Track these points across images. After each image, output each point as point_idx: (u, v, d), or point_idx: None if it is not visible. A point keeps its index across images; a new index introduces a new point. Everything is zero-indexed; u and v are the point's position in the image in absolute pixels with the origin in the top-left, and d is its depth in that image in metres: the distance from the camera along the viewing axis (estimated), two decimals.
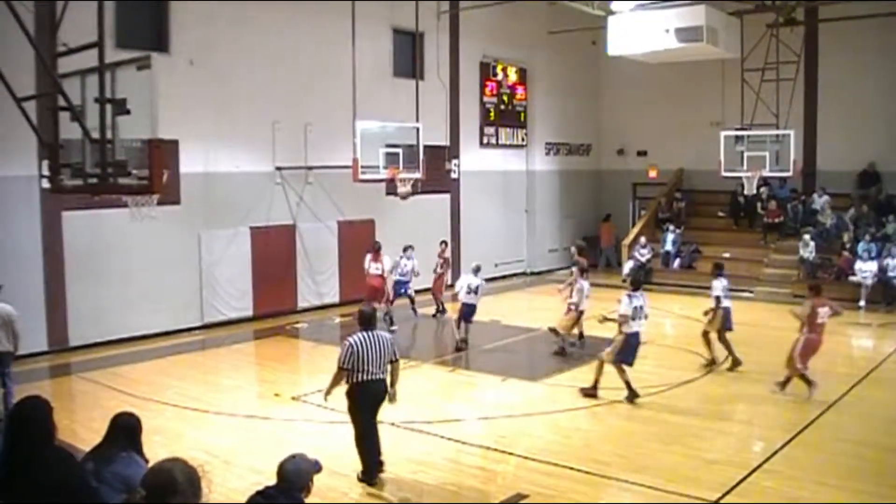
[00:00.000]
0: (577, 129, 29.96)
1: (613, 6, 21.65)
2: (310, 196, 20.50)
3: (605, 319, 13.60)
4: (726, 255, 25.11)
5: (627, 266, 25.56)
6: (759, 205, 25.77)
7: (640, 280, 14.09)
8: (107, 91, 7.68)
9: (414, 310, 19.39)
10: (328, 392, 9.61)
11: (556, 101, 28.66)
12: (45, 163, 9.08)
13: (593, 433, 11.51)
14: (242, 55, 18.75)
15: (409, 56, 22.33)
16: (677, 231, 26.21)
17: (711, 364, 14.86)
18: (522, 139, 28.00)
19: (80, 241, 16.25)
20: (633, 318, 12.84)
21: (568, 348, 16.02)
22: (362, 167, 17.29)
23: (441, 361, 15.63)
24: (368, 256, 18.31)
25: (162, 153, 7.57)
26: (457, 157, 24.77)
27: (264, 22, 18.93)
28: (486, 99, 26.44)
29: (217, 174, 18.52)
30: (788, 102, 21.51)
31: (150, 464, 4.24)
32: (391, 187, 19.43)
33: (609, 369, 12.88)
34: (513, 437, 11.22)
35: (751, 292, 23.04)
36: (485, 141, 26.49)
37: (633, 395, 12.73)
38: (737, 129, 21.44)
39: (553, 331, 16.17)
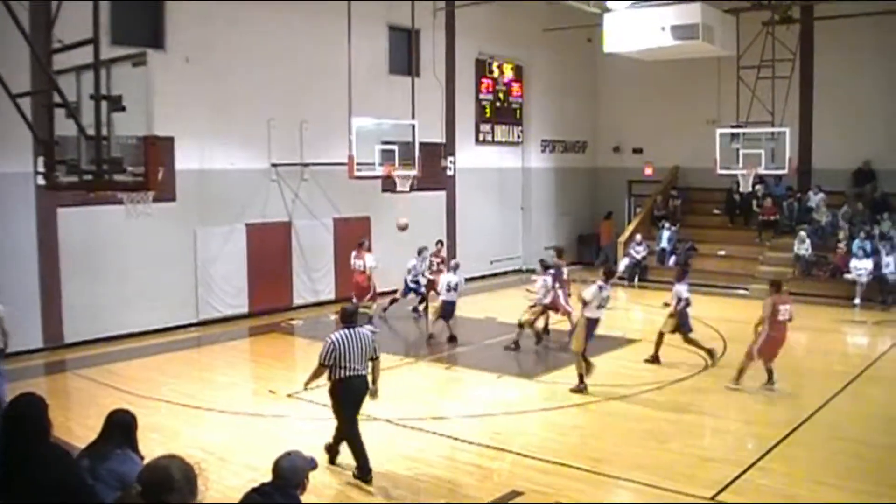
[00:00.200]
0: (573, 126, 29.97)
1: (609, 4, 21.64)
2: (305, 193, 20.48)
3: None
4: (721, 252, 25.25)
5: (623, 263, 25.56)
6: (754, 202, 25.79)
7: (613, 271, 14.68)
8: (102, 88, 7.66)
9: (417, 309, 19.45)
10: (307, 383, 9.81)
11: (552, 99, 28.67)
12: (41, 159, 9.03)
13: (588, 430, 11.52)
14: (238, 52, 18.73)
15: (404, 53, 22.30)
16: (673, 228, 26.24)
17: (653, 361, 15.01)
18: (518, 136, 28.00)
19: (76, 238, 16.22)
20: (599, 307, 13.33)
21: (521, 341, 16.27)
22: (358, 164, 17.29)
23: (436, 359, 15.63)
24: (353, 253, 18.25)
25: (157, 150, 7.55)
26: (452, 154, 24.76)
27: (260, 19, 18.90)
28: (481, 96, 26.44)
29: (213, 171, 18.50)
30: (784, 100, 21.51)
31: (146, 461, 4.23)
32: (387, 184, 19.43)
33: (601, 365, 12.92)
34: (508, 434, 11.24)
35: (746, 290, 23.10)
36: (481, 138, 26.49)
37: (581, 387, 13.10)
38: (732, 127, 21.43)
39: (520, 325, 16.38)
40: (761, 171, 20.86)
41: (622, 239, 26.82)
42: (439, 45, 23.92)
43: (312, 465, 5.72)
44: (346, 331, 9.51)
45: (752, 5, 22.13)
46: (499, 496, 8.92)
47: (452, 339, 16.85)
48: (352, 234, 20.53)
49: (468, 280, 19.51)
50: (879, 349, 16.90)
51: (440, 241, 20.87)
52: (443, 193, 24.70)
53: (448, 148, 24.50)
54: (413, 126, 18.30)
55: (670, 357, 15.10)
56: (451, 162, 24.68)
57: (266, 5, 18.75)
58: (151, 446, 6.19)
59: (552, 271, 16.55)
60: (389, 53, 22.61)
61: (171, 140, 16.61)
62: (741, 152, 20.69)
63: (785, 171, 21.17)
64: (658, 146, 28.87)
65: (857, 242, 22.16)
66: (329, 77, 19.20)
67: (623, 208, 29.84)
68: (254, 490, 5.46)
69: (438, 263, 19.78)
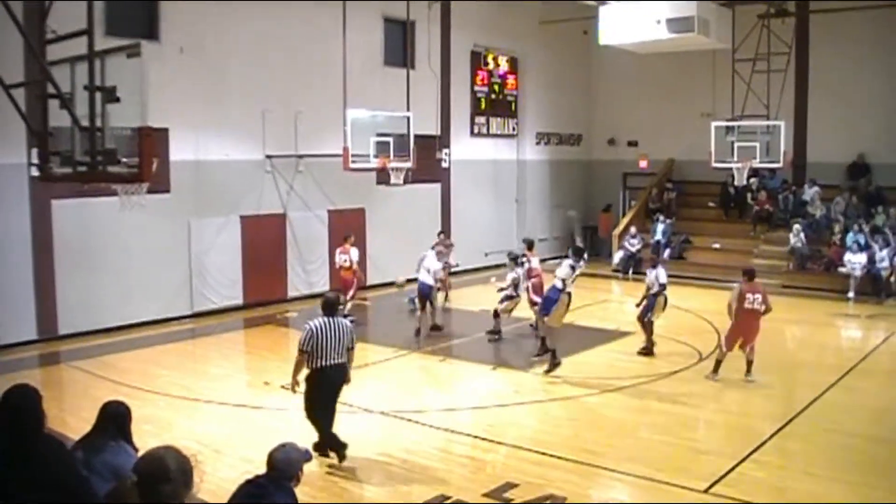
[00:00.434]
0: (568, 118, 29.96)
1: None
2: (300, 185, 20.46)
3: None
4: (716, 245, 25.27)
5: (618, 256, 25.62)
6: (749, 196, 25.83)
7: (581, 249, 15.19)
8: (97, 79, 7.64)
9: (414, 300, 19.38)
10: (294, 381, 9.78)
11: (547, 91, 28.65)
12: (35, 151, 9.02)
13: (582, 422, 11.53)
14: (233, 43, 18.68)
15: (399, 45, 22.26)
16: (667, 221, 26.25)
17: (646, 351, 15.14)
18: (513, 129, 27.98)
19: (70, 230, 16.18)
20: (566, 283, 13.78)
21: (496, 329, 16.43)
22: (353, 156, 17.29)
23: (431, 351, 15.62)
24: (339, 249, 18.11)
25: (152, 141, 7.53)
26: (447, 146, 24.74)
27: (255, 10, 18.84)
28: (476, 88, 26.41)
29: (207, 162, 18.46)
30: (779, 94, 21.57)
31: (141, 452, 4.23)
32: (382, 176, 19.42)
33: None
34: (502, 426, 11.26)
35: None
36: (475, 130, 26.47)
37: (552, 362, 13.55)
38: (727, 120, 21.49)
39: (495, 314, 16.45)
40: (756, 164, 20.94)
41: (617, 232, 26.84)
42: (434, 37, 23.89)
43: (307, 457, 5.72)
44: (326, 319, 9.57)
45: None
46: (493, 488, 8.92)
47: (436, 328, 16.84)
48: (346, 227, 20.52)
49: (462, 272, 19.48)
50: (873, 342, 16.94)
51: (442, 232, 20.81)
52: (437, 186, 24.68)
53: (443, 140, 24.48)
54: (408, 118, 18.30)
55: (663, 350, 15.12)
56: (445, 154, 24.67)
57: None
58: (145, 438, 6.19)
59: (524, 264, 16.49)
60: (385, 45, 22.56)
61: (165, 131, 16.59)
62: (736, 145, 20.78)
63: (780, 165, 21.24)
64: (653, 139, 28.88)
65: (851, 236, 22.20)
66: (324, 69, 19.16)
67: (618, 201, 29.83)
68: (248, 482, 5.46)
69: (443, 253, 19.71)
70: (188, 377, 13.74)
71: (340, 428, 9.78)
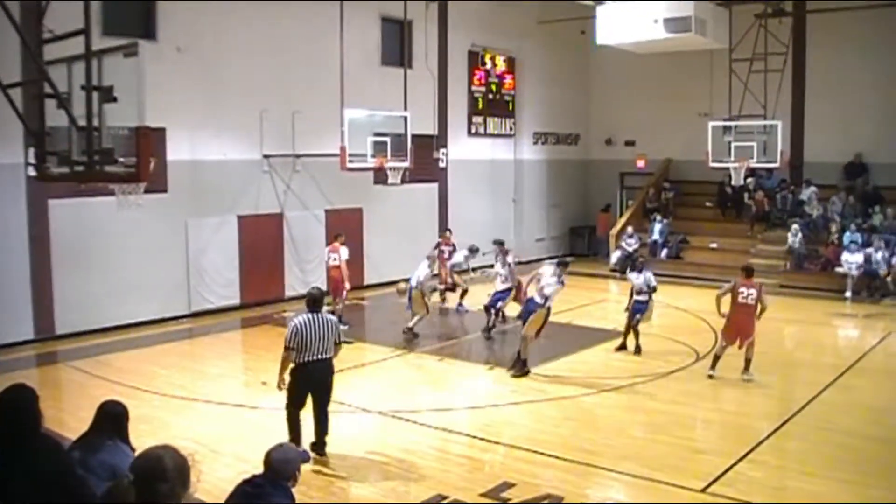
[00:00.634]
0: (565, 118, 29.97)
1: None
2: (297, 184, 20.45)
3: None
4: (713, 245, 25.29)
5: (615, 256, 25.63)
6: (746, 195, 25.84)
7: (568, 262, 14.80)
8: (93, 78, 7.64)
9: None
10: (280, 378, 9.81)
11: (545, 91, 28.65)
12: (32, 150, 9.01)
13: (579, 422, 11.53)
14: (230, 43, 18.67)
15: (397, 45, 22.28)
16: (665, 221, 26.27)
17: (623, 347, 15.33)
18: (510, 128, 27.98)
19: (67, 230, 16.16)
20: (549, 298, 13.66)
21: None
22: (350, 156, 17.25)
23: (428, 350, 15.62)
24: (328, 248, 17.94)
25: (149, 141, 7.54)
26: (445, 146, 24.74)
27: (252, 10, 18.83)
28: (474, 88, 26.41)
29: (204, 162, 18.45)
30: (776, 93, 21.57)
31: (139, 451, 4.23)
32: (379, 176, 19.41)
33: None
34: (499, 425, 11.27)
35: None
36: (473, 130, 26.47)
37: (521, 370, 13.57)
38: (725, 120, 21.49)
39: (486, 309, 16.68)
40: (753, 164, 20.95)
41: (614, 231, 26.84)
42: (432, 36, 23.89)
43: (304, 457, 5.73)
44: (311, 315, 9.63)
45: None
46: (490, 488, 8.92)
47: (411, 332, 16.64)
48: (344, 226, 20.51)
49: (460, 272, 19.47)
50: (870, 342, 16.95)
51: (448, 230, 20.76)
52: (435, 185, 24.68)
53: (440, 140, 24.48)
54: (405, 118, 18.27)
55: (659, 349, 15.14)
56: (443, 154, 24.66)
57: None
58: (143, 438, 6.19)
59: (510, 259, 16.63)
60: (382, 45, 22.55)
61: (162, 131, 16.54)
62: (733, 145, 20.79)
63: (777, 165, 21.26)
64: (650, 139, 28.88)
65: (848, 235, 22.23)
66: (321, 68, 19.14)
67: (615, 201, 29.83)
68: (245, 482, 5.46)
69: (450, 252, 19.71)
70: (185, 377, 13.73)
71: (338, 428, 9.79)
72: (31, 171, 10.56)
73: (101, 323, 16.67)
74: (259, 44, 19.18)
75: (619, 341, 15.44)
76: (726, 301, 13.38)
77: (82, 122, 7.69)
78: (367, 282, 21.99)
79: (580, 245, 29.87)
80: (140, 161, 7.50)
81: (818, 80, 24.88)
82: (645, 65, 26.18)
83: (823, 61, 24.71)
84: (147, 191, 8.80)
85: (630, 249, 25.28)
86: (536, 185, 28.95)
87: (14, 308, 15.44)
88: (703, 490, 8.87)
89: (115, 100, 7.61)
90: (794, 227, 23.27)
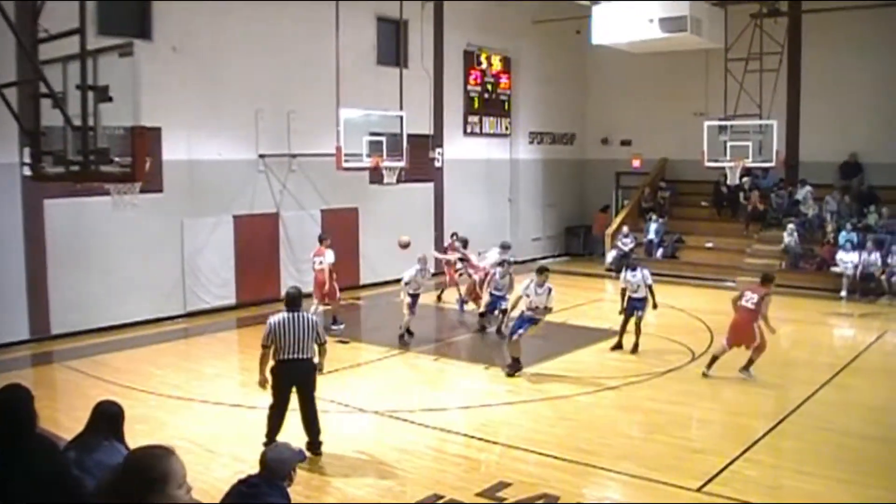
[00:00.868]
0: (561, 118, 29.97)
1: None
2: (293, 184, 20.43)
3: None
4: (709, 244, 25.31)
5: (611, 255, 25.64)
6: (741, 195, 25.86)
7: (546, 269, 14.36)
8: (89, 78, 7.63)
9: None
10: (261, 377, 9.86)
11: (541, 90, 28.65)
12: (27, 150, 9.01)
13: (576, 422, 11.52)
14: (226, 42, 18.64)
15: (392, 44, 22.26)
16: (660, 221, 26.29)
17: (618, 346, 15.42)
18: (506, 128, 27.99)
19: (63, 230, 16.13)
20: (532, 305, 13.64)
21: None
22: (346, 155, 17.24)
23: (424, 350, 15.62)
24: (313, 251, 17.60)
25: (145, 141, 7.54)
26: (440, 145, 24.72)
27: (248, 9, 18.79)
28: (469, 88, 26.41)
29: (200, 162, 18.42)
30: (772, 93, 21.59)
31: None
32: (375, 176, 19.40)
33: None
34: (495, 425, 11.27)
35: (733, 282, 23.14)
36: (469, 130, 26.46)
37: (515, 368, 13.65)
38: (720, 120, 21.52)
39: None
40: (749, 163, 20.97)
41: (609, 231, 26.85)
42: (427, 36, 23.87)
43: (300, 457, 5.72)
44: (288, 314, 9.75)
45: None
46: (486, 487, 8.92)
47: (408, 333, 16.41)
48: (340, 226, 20.57)
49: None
50: (865, 341, 16.96)
51: (455, 234, 20.76)
52: (430, 185, 24.67)
53: (436, 139, 24.46)
54: (401, 117, 18.26)
55: (656, 349, 15.14)
56: (438, 153, 24.65)
57: None
58: (138, 438, 6.16)
59: (508, 257, 16.98)
60: (378, 44, 22.52)
61: (158, 130, 16.51)
62: (729, 145, 20.82)
63: (772, 164, 21.30)
64: (646, 138, 28.89)
65: (843, 235, 22.27)
66: (317, 68, 19.14)
67: (611, 200, 29.82)
68: (241, 482, 5.45)
69: (458, 258, 19.74)
70: (181, 377, 13.71)
71: (334, 428, 9.77)
72: (27, 171, 10.57)
73: (96, 323, 16.65)
74: (254, 43, 19.15)
75: (614, 341, 15.45)
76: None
77: (78, 122, 7.69)
78: (362, 281, 22.00)
79: (576, 245, 29.90)
80: (135, 161, 7.50)
81: (813, 80, 24.89)
82: (641, 64, 26.20)
83: (819, 61, 24.72)
84: (142, 191, 8.81)
85: (626, 249, 25.30)
86: (532, 185, 28.95)
87: (9, 308, 15.41)
88: (700, 489, 8.88)
89: (110, 99, 7.61)
90: (790, 226, 23.30)
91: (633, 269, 15.34)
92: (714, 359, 13.47)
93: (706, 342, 15.45)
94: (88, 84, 7.61)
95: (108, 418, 5.83)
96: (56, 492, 4.63)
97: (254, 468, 5.60)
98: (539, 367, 14.07)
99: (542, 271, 13.97)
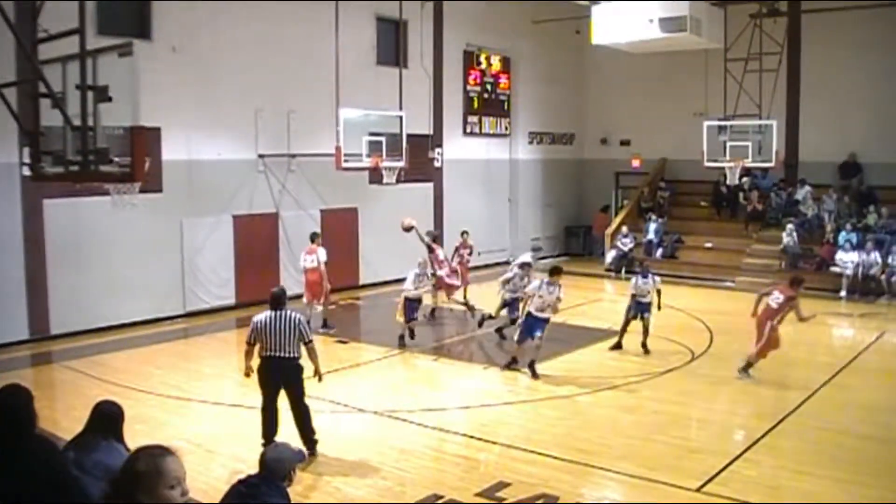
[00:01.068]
0: (561, 118, 29.97)
1: None
2: (292, 184, 20.43)
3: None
4: (708, 244, 25.31)
5: (610, 255, 25.65)
6: (741, 195, 25.86)
7: (561, 270, 14.26)
8: (88, 78, 7.64)
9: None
10: (246, 367, 10.02)
11: (540, 90, 28.65)
12: (26, 150, 9.01)
13: (575, 421, 11.53)
14: (225, 42, 18.63)
15: (392, 44, 22.26)
16: (660, 221, 26.30)
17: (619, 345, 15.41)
18: (506, 128, 28.00)
19: (62, 230, 16.14)
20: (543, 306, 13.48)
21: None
22: (345, 155, 17.26)
23: (423, 350, 15.61)
24: (304, 250, 17.33)
25: (144, 141, 7.54)
26: (440, 145, 24.72)
27: (247, 9, 18.78)
28: (469, 88, 26.41)
29: (199, 162, 18.42)
30: (771, 93, 21.60)
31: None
32: (374, 176, 19.40)
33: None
34: (495, 425, 11.26)
35: (732, 282, 23.17)
36: (468, 130, 26.47)
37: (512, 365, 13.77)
38: (720, 120, 21.52)
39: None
40: (748, 163, 20.97)
41: (609, 231, 26.86)
42: (427, 36, 23.87)
43: (300, 457, 5.71)
44: (272, 312, 9.73)
45: None
46: (485, 487, 8.92)
47: (404, 337, 16.12)
48: (339, 226, 20.58)
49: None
50: (864, 341, 16.96)
51: (465, 232, 20.76)
52: (430, 185, 24.67)
53: (435, 139, 24.46)
54: (401, 117, 18.28)
55: (655, 349, 15.14)
56: (438, 153, 24.65)
57: None
58: (138, 438, 6.16)
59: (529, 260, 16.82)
60: (377, 44, 22.52)
61: (157, 130, 16.52)
62: (728, 145, 20.83)
63: (772, 164, 21.29)
64: (645, 138, 28.88)
65: (843, 235, 22.28)
66: (316, 68, 19.15)
67: (610, 200, 29.82)
68: (240, 482, 5.45)
69: (468, 255, 19.72)
70: (181, 376, 13.72)
71: (333, 428, 9.77)
72: (26, 171, 10.58)
73: (96, 323, 16.65)
74: (254, 43, 19.15)
75: (613, 341, 15.44)
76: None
77: (77, 122, 7.69)
78: (362, 281, 22.00)
79: (575, 245, 29.91)
80: (135, 161, 7.51)
81: (813, 80, 24.88)
82: (640, 64, 26.20)
83: (818, 61, 24.71)
84: (142, 190, 8.82)
85: (625, 249, 25.32)
86: (532, 185, 28.96)
87: (8, 308, 15.41)
88: (699, 489, 8.88)
89: (109, 99, 7.61)
90: (789, 226, 23.30)
91: (645, 276, 15.28)
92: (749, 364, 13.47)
93: (705, 342, 15.46)
94: (88, 84, 7.61)
95: (107, 418, 5.83)
96: (55, 492, 4.63)
97: (253, 468, 5.60)
98: (539, 367, 14.03)
99: (555, 272, 13.87)
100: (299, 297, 16.95)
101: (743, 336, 15.89)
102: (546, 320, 13.57)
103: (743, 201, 25.82)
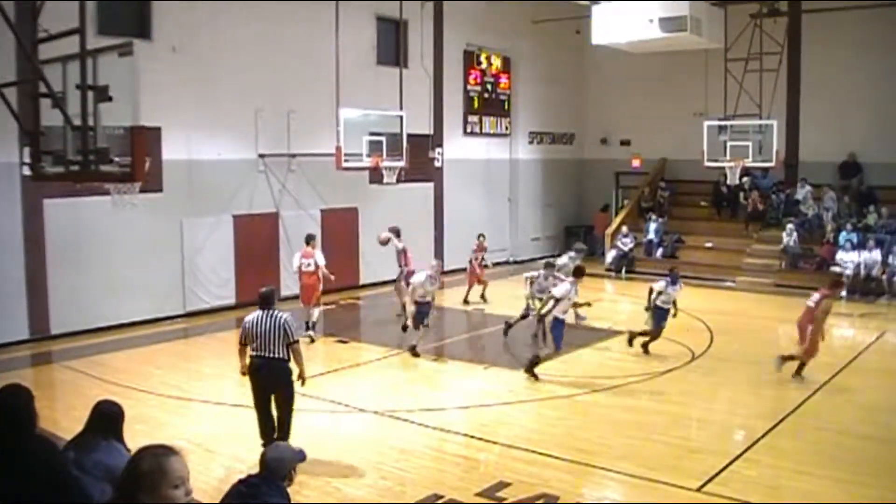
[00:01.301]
0: (561, 117, 29.98)
1: None
2: (293, 184, 20.43)
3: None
4: (708, 244, 25.31)
5: (611, 255, 25.66)
6: (741, 195, 25.87)
7: (584, 270, 14.52)
8: (89, 78, 7.64)
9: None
10: (241, 365, 10.09)
11: (540, 90, 28.65)
12: (27, 150, 9.01)
13: (575, 421, 11.53)
14: (225, 42, 18.63)
15: (392, 44, 22.26)
16: (660, 220, 26.30)
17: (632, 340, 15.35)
18: (506, 128, 28.00)
19: (62, 229, 16.13)
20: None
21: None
22: (345, 155, 17.27)
23: (424, 350, 15.58)
24: (299, 253, 17.02)
25: (144, 140, 7.55)
26: (440, 145, 24.72)
27: (247, 9, 18.78)
28: (469, 87, 26.42)
29: (200, 161, 18.42)
30: (771, 93, 21.60)
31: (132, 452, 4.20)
32: (374, 176, 19.41)
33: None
34: (495, 425, 11.26)
35: (733, 282, 23.18)
36: (468, 129, 26.47)
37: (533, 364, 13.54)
38: (720, 120, 21.52)
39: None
40: (748, 163, 20.97)
41: (609, 231, 26.86)
42: (427, 36, 23.87)
43: (300, 456, 5.71)
44: (261, 312, 9.78)
45: None
46: (486, 487, 8.92)
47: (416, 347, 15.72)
48: (339, 226, 20.58)
49: (456, 271, 19.50)
50: (865, 341, 16.96)
51: (482, 235, 20.70)
52: (430, 185, 24.67)
53: (436, 139, 24.46)
54: (401, 117, 18.29)
55: (655, 349, 15.14)
56: (438, 153, 24.65)
57: None
58: (138, 438, 6.16)
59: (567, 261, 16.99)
60: (377, 44, 22.52)
61: (157, 130, 16.51)
62: (728, 145, 20.83)
63: (772, 164, 21.29)
64: (646, 138, 28.89)
65: (843, 235, 22.28)
66: (317, 67, 19.15)
67: (611, 200, 29.82)
68: (240, 482, 5.44)
69: (483, 257, 19.69)
70: (181, 376, 13.72)
71: (334, 427, 9.76)
72: (26, 171, 10.58)
73: (96, 323, 16.65)
74: (254, 43, 19.15)
75: (624, 337, 15.38)
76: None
77: (77, 122, 7.70)
78: (362, 282, 21.99)
79: (579, 242, 29.88)
80: (135, 160, 7.51)
81: (813, 80, 24.87)
82: (640, 64, 26.21)
83: (818, 61, 24.70)
84: (142, 190, 8.82)
85: (626, 249, 25.33)
86: (532, 185, 28.96)
87: (9, 308, 15.40)
88: (699, 489, 8.88)
89: (110, 99, 7.61)
90: (789, 226, 23.31)
91: (675, 283, 15.00)
92: (790, 358, 13.51)
93: (706, 342, 15.45)
94: (88, 84, 7.62)
95: (107, 418, 5.82)
96: (55, 492, 4.63)
97: (253, 468, 5.59)
98: (539, 367, 14.04)
99: (578, 272, 14.27)
100: (296, 297, 17.06)
101: (743, 336, 15.96)
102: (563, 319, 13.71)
103: (743, 201, 25.83)
